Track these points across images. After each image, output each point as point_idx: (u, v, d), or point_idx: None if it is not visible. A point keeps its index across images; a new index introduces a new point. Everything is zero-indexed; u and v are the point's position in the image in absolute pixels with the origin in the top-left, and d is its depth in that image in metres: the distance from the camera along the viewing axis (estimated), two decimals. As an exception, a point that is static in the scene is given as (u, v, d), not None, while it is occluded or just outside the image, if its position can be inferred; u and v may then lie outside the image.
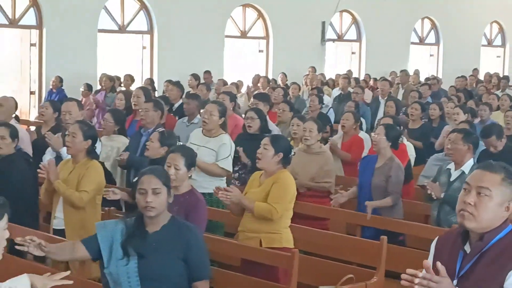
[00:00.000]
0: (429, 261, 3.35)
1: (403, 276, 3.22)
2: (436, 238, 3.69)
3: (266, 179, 6.26)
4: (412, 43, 25.08)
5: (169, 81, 14.01)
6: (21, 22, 17.14)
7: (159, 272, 4.60)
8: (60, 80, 15.90)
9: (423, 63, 25.63)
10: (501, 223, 3.43)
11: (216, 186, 6.40)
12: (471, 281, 3.37)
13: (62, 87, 15.87)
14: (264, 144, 6.31)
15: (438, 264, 3.26)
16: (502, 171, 3.44)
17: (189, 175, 5.95)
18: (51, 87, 16.10)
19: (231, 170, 7.94)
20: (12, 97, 9.81)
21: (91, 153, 6.76)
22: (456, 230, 3.59)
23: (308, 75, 18.81)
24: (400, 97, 16.11)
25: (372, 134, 8.17)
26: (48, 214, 7.81)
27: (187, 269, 4.63)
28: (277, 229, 6.18)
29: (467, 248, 3.48)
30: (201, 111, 8.63)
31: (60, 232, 6.55)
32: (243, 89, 18.35)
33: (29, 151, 8.34)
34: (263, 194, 6.15)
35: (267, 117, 9.56)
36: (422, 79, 20.99)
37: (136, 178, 4.79)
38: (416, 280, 3.18)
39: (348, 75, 17.88)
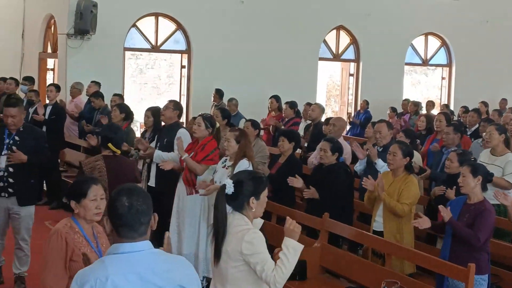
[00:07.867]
0: None
1: None
2: None
3: None
4: None
5: (464, 107, 13.66)
6: (343, 57, 17.67)
7: None
8: (366, 103, 16.17)
9: None
10: None
11: None
12: None
13: (368, 109, 16.08)
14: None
15: None
16: None
17: (476, 182, 5.60)
18: (359, 108, 16.46)
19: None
20: (343, 118, 10.12)
21: (409, 169, 6.54)
22: None
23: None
24: None
25: None
26: (360, 214, 7.96)
27: None
28: None
29: None
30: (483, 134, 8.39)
31: (379, 234, 6.48)
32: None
33: (349, 160, 8.63)
34: None
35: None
36: None
37: None
38: None
39: None
